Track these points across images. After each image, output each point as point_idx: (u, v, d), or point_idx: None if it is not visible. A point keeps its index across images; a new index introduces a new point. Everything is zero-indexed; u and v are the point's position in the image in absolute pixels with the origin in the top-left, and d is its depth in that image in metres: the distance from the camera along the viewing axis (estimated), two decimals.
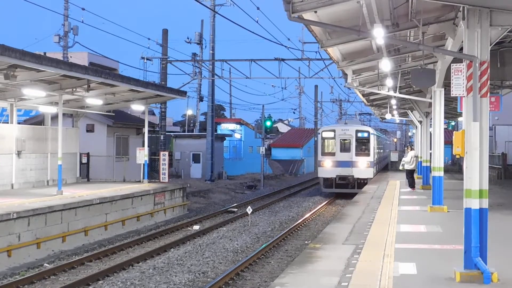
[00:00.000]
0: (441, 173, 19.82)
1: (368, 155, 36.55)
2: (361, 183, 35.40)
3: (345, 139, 36.94)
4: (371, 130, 38.06)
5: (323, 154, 37.08)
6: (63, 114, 25.33)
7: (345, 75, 22.32)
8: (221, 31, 43.83)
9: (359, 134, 36.92)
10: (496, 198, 23.21)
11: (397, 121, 65.92)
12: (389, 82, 22.48)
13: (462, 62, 10.07)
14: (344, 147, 36.77)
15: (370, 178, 35.96)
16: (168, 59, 41.07)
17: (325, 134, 37.59)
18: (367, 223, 16.43)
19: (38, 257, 18.23)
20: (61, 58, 36.94)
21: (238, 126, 63.94)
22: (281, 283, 9.71)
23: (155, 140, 41.94)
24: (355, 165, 36.15)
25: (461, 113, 11.14)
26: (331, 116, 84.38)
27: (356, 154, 36.39)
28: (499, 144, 48.00)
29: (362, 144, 36.94)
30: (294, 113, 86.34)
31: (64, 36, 41.71)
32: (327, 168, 36.43)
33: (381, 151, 52.35)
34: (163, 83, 40.03)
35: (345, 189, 36.11)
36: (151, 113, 52.98)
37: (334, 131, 37.32)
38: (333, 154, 36.70)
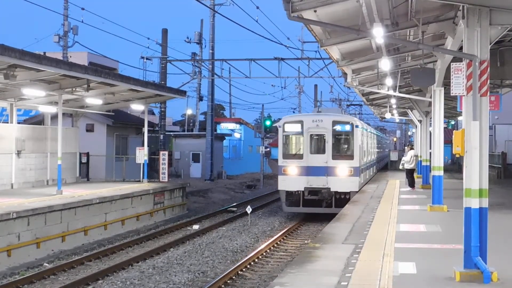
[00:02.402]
0: (441, 173, 19.81)
1: (351, 157, 25.48)
2: (341, 199, 24.87)
3: (317, 135, 25.92)
4: (355, 121, 26.71)
5: (285, 156, 25.87)
6: (63, 114, 25.30)
7: (344, 74, 22.32)
8: (220, 31, 43.86)
9: (338, 127, 25.87)
10: (496, 198, 23.19)
11: (397, 121, 65.91)
12: (389, 81, 22.47)
13: (461, 61, 10.06)
14: (316, 147, 25.93)
15: (354, 191, 25.19)
16: (168, 59, 41.06)
17: (288, 128, 26.21)
18: (366, 223, 16.42)
19: (37, 257, 18.22)
20: (61, 58, 36.92)
21: (238, 125, 63.93)
22: (281, 282, 9.70)
23: (154, 139, 41.91)
24: (332, 172, 25.20)
25: (461, 112, 11.14)
26: None
27: (334, 157, 25.37)
28: (499, 143, 47.96)
29: (343, 142, 26.32)
30: (293, 112, 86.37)
31: (63, 36, 41.67)
32: (291, 177, 25.38)
33: (378, 150, 44.97)
34: (162, 82, 40.01)
35: (317, 208, 25.59)
36: (151, 112, 52.99)
37: (301, 122, 25.96)
38: (299, 156, 25.61)
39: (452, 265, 10.14)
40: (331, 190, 25.14)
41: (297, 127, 26.04)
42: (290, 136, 26.52)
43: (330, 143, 25.61)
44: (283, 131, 26.21)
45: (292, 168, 25.57)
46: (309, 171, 25.39)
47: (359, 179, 26.01)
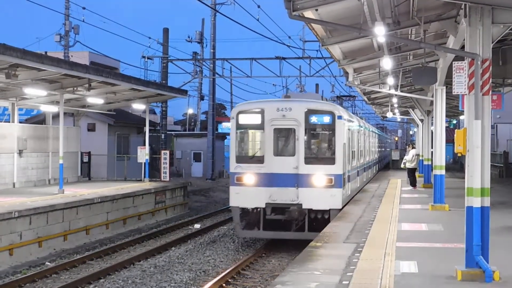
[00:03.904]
0: (443, 172, 19.79)
1: (332, 161, 18.61)
2: (318, 219, 18.47)
3: (284, 129, 18.91)
4: (338, 111, 19.40)
5: (240, 160, 19.00)
6: (64, 113, 25.33)
7: (346, 73, 22.30)
8: (222, 30, 43.91)
9: (314, 119, 18.75)
10: (497, 197, 23.17)
11: (398, 120, 65.89)
12: (390, 80, 22.44)
13: (463, 60, 10.05)
14: (283, 146, 19.05)
15: (335, 209, 18.41)
16: (169, 58, 41.05)
17: (243, 119, 19.19)
18: (368, 222, 16.41)
19: (39, 256, 18.24)
20: (62, 57, 36.94)
21: None
22: (282, 281, 9.69)
23: (156, 139, 41.91)
24: (304, 182, 18.37)
25: (463, 111, 11.13)
26: None
27: (308, 160, 18.51)
28: (500, 142, 47.96)
29: (320, 139, 19.42)
30: None
31: (65, 35, 41.69)
32: (248, 188, 18.61)
33: (378, 149, 42.16)
34: (164, 82, 40.01)
35: (284, 232, 18.69)
36: (152, 112, 53.00)
37: (262, 112, 18.89)
38: (259, 160, 18.78)
39: (454, 264, 10.13)
40: (303, 207, 18.16)
41: (255, 118, 18.84)
42: (246, 131, 19.35)
43: (302, 141, 18.41)
44: (237, 123, 19.04)
45: (248, 176, 18.50)
46: (273, 180, 18.33)
47: (342, 192, 18.69)
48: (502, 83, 21.67)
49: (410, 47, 17.83)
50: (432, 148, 23.79)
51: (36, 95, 25.00)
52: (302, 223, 18.51)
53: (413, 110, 37.30)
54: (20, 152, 26.18)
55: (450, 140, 20.20)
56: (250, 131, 19.52)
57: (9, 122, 27.23)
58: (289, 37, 38.11)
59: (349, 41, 16.18)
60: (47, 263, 17.45)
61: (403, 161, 29.57)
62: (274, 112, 18.71)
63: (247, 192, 18.59)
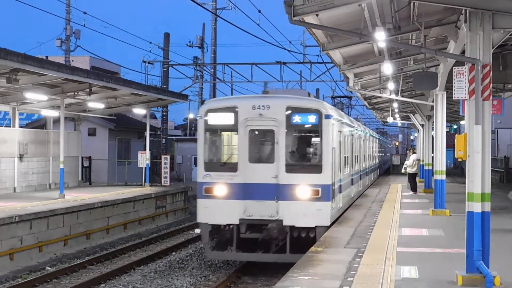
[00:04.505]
0: (443, 177, 19.79)
1: (318, 169, 15.90)
2: (301, 239, 15.65)
3: (261, 131, 16.28)
4: (326, 109, 16.42)
5: (209, 167, 16.34)
6: (65, 118, 25.35)
7: (346, 78, 22.31)
8: (222, 35, 43.86)
9: (297, 118, 16.05)
10: (498, 202, 23.17)
11: (399, 125, 65.89)
12: (391, 85, 22.45)
13: (464, 65, 10.06)
14: (260, 151, 16.39)
15: (323, 226, 15.76)
16: (170, 63, 41.07)
17: (213, 118, 16.46)
18: (369, 227, 16.40)
19: (40, 260, 18.24)
20: (63, 62, 36.98)
21: None
22: (283, 286, 9.68)
23: (156, 143, 41.92)
24: (285, 194, 15.71)
25: (463, 116, 11.13)
26: None
27: (290, 168, 15.86)
28: (501, 148, 47.98)
29: (305, 143, 16.68)
30: None
31: (66, 40, 41.71)
32: (219, 201, 15.96)
33: (376, 154, 40.15)
34: (164, 86, 40.02)
35: (261, 254, 16.06)
36: (153, 116, 53.02)
37: (235, 110, 16.17)
38: (232, 167, 16.13)
39: (455, 269, 10.12)
40: (284, 224, 15.48)
41: (227, 118, 16.17)
42: (217, 133, 16.83)
43: (282, 145, 15.74)
44: (205, 124, 16.28)
45: (219, 187, 15.84)
46: (248, 192, 15.66)
47: (331, 205, 16.07)
48: (503, 88, 21.67)
49: (410, 52, 17.84)
50: (432, 153, 23.78)
51: (37, 100, 25.02)
52: (284, 243, 15.61)
53: (413, 115, 37.31)
54: (20, 157, 26.19)
55: (450, 145, 20.17)
56: (221, 133, 16.90)
57: (10, 126, 27.25)
58: (290, 42, 38.06)
59: (349, 46, 16.19)
60: (47, 268, 17.45)
61: (404, 166, 29.56)
62: (250, 110, 15.93)
63: (218, 205, 15.83)
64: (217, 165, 16.52)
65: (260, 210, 15.68)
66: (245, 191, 15.74)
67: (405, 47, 16.99)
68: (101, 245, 21.19)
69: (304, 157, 16.47)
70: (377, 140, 42.22)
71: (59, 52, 42.76)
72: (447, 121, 25.14)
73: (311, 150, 16.55)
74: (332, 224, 16.35)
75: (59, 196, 23.24)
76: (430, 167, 28.50)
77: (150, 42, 40.52)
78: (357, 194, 24.66)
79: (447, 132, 24.66)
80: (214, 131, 16.75)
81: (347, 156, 20.47)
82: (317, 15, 11.73)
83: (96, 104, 27.20)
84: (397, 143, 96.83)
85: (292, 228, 15.62)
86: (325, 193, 15.75)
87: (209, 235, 15.97)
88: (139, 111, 30.95)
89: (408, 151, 34.82)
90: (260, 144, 16.35)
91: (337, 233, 15.27)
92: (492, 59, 9.79)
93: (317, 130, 16.06)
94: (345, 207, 19.88)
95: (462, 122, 40.73)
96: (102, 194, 25.32)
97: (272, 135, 15.95)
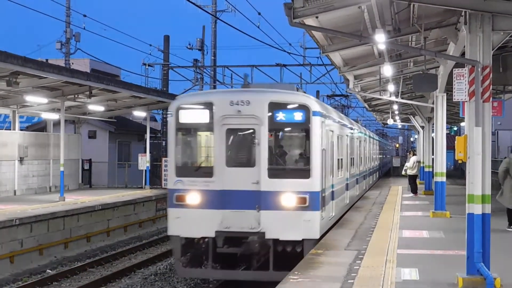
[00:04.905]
0: (444, 179, 19.78)
1: (306, 174, 14.05)
2: (286, 254, 13.85)
3: (240, 130, 14.54)
4: (314, 105, 14.34)
5: (181, 171, 14.46)
6: (65, 121, 25.37)
7: (346, 80, 22.31)
8: (222, 37, 43.84)
9: (280, 115, 14.18)
10: (499, 203, 23.10)
11: (399, 127, 65.89)
12: (391, 87, 22.47)
13: (464, 67, 10.06)
14: (239, 153, 14.78)
15: (311, 240, 13.90)
16: (170, 65, 41.09)
17: (185, 116, 14.59)
18: (369, 229, 16.39)
19: (40, 263, 18.24)
20: (63, 65, 37.00)
21: None
22: None
23: (157, 146, 41.91)
24: (268, 203, 13.88)
25: (464, 118, 11.13)
26: None
27: (273, 173, 14.00)
28: (501, 149, 48.00)
29: (290, 144, 15.15)
30: None
31: (66, 42, 41.71)
32: (192, 211, 14.14)
33: (376, 156, 39.76)
34: (164, 89, 40.03)
35: (240, 271, 14.67)
36: (153, 119, 52.98)
37: (210, 106, 14.29)
38: (207, 172, 14.27)
39: (455, 271, 10.11)
40: (267, 237, 13.65)
41: (201, 115, 14.33)
42: (190, 132, 15.02)
43: (264, 147, 13.86)
44: (177, 122, 14.41)
45: (193, 195, 14.02)
46: (225, 200, 13.83)
47: (321, 215, 14.20)
48: (503, 90, 21.68)
49: (410, 54, 17.85)
50: (433, 155, 23.78)
51: (37, 103, 25.04)
52: (266, 258, 13.80)
53: (413, 117, 37.30)
54: (21, 160, 26.20)
55: (451, 147, 20.18)
56: (195, 133, 15.06)
57: (10, 129, 27.26)
58: (290, 44, 38.13)
59: (349, 48, 16.20)
60: (48, 270, 17.45)
61: (404, 168, 29.54)
62: (227, 106, 13.95)
63: (191, 216, 13.96)
64: (190, 169, 14.60)
65: (239, 221, 13.75)
66: (222, 200, 13.80)
67: (405, 49, 17.01)
68: (102, 248, 21.19)
69: (289, 160, 14.70)
70: (377, 142, 42.19)
71: (59, 55, 42.79)
72: (447, 123, 25.16)
73: (298, 152, 14.69)
74: (323, 236, 14.46)
75: (59, 199, 23.24)
76: (431, 169, 28.49)
77: (150, 45, 40.57)
78: (354, 200, 22.90)
79: (447, 134, 24.65)
80: (187, 130, 14.79)
81: (341, 159, 18.68)
82: (317, 17, 11.74)
83: (96, 107, 27.21)
84: (397, 145, 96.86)
85: (276, 241, 13.70)
86: (313, 201, 13.81)
87: (181, 250, 14.08)
88: (139, 114, 30.96)
89: (408, 153, 34.81)
90: (239, 145, 14.50)
91: (337, 235, 15.26)
92: (492, 61, 9.79)
93: (304, 128, 14.17)
94: (339, 216, 18.09)
95: (462, 124, 40.71)
96: (103, 197, 25.33)
97: (252, 135, 14.02)
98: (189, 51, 47.71)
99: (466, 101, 9.94)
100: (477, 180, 9.64)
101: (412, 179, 28.53)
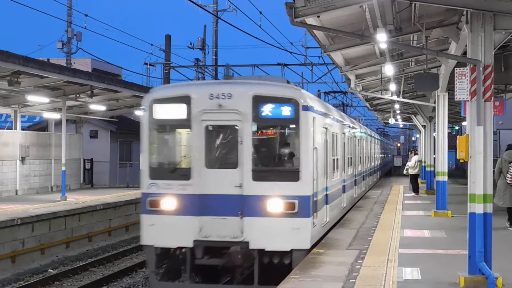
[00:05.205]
0: (445, 178, 19.77)
1: (295, 175, 12.51)
2: (274, 266, 12.44)
3: (221, 127, 12.86)
4: (304, 99, 12.77)
5: (156, 173, 12.98)
6: (67, 120, 25.39)
7: (348, 80, 22.30)
8: (223, 37, 43.88)
9: (266, 110, 12.57)
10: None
11: (401, 126, 65.88)
12: (392, 86, 22.46)
13: (465, 66, 10.06)
14: (220, 152, 13.02)
15: (301, 250, 12.41)
16: (171, 65, 41.08)
17: (160, 111, 13.13)
18: (370, 228, 16.39)
19: (42, 263, 18.25)
20: (65, 64, 37.03)
21: None
22: None
23: None
24: (252, 208, 12.43)
25: (465, 117, 11.13)
26: None
27: (258, 175, 12.49)
28: (503, 149, 47.86)
29: (276, 142, 13.22)
30: None
31: (67, 42, 41.76)
32: (167, 217, 12.68)
33: (378, 156, 39.18)
34: None
35: (223, 285, 13.03)
36: None
37: (187, 100, 12.76)
38: (184, 174, 12.73)
39: (457, 270, 10.11)
40: (251, 247, 12.29)
41: (178, 111, 12.88)
42: (166, 129, 13.64)
43: (248, 145, 12.47)
44: (150, 118, 13.08)
45: (168, 200, 12.64)
46: (205, 205, 12.44)
47: (312, 222, 12.77)
48: (504, 89, 21.66)
49: (412, 54, 17.84)
50: (434, 154, 23.76)
51: (39, 102, 25.05)
52: (250, 271, 12.47)
53: (415, 116, 37.29)
54: (22, 159, 26.22)
55: (452, 146, 20.17)
56: (171, 131, 13.69)
57: (11, 129, 27.27)
58: (291, 44, 38.04)
59: (351, 47, 16.19)
60: (49, 270, 17.46)
61: (406, 167, 29.54)
62: (206, 100, 12.54)
63: (167, 223, 12.57)
64: (165, 171, 13.17)
65: (220, 229, 12.34)
66: (200, 205, 12.39)
67: (407, 48, 16.99)
68: (103, 247, 21.20)
69: (276, 160, 13.10)
70: (378, 141, 42.14)
71: (61, 54, 42.84)
72: (448, 122, 25.09)
73: (286, 151, 12.94)
74: (314, 245, 13.02)
75: (61, 198, 23.26)
76: (432, 169, 28.47)
77: (151, 44, 40.54)
78: (352, 202, 21.75)
79: (448, 133, 24.64)
80: (162, 127, 13.35)
81: (337, 159, 17.40)
82: (318, 16, 11.74)
83: (97, 106, 27.22)
84: (398, 144, 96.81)
85: (261, 252, 12.26)
86: (303, 207, 12.34)
87: (156, 261, 12.67)
88: (141, 113, 30.98)
89: (410, 153, 34.80)
90: (220, 144, 12.89)
91: (339, 235, 15.26)
92: (494, 60, 9.79)
93: (293, 125, 12.65)
94: (335, 221, 16.75)
95: (463, 123, 40.71)
96: (104, 196, 25.34)
97: (235, 132, 12.54)
98: (191, 51, 47.74)
99: (468, 101, 9.93)
100: (479, 179, 9.63)
101: (414, 178, 28.52)
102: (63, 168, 23.86)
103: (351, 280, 10.14)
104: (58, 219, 19.74)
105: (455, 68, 10.43)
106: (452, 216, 18.99)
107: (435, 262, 11.79)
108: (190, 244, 12.42)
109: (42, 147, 27.78)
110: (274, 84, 13.37)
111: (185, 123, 12.78)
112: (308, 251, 12.46)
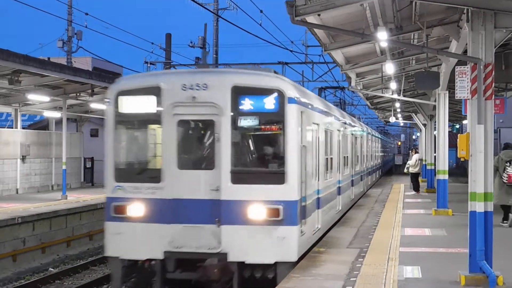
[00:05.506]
0: (446, 176, 19.77)
1: (280, 178, 10.96)
2: (257, 280, 11.01)
3: (195, 121, 11.52)
4: (290, 90, 11.19)
5: (122, 176, 11.49)
6: (67, 119, 25.38)
7: (348, 78, 22.31)
8: (224, 35, 43.88)
9: (246, 103, 11.08)
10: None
11: (401, 124, 65.87)
12: (393, 85, 22.46)
13: (466, 65, 10.05)
14: (194, 151, 11.63)
15: (286, 263, 10.89)
16: (172, 64, 41.08)
17: (127, 104, 11.55)
18: (371, 227, 16.39)
19: (43, 262, 18.26)
20: (65, 63, 37.03)
21: None
22: (286, 287, 9.67)
23: None
24: (231, 215, 10.92)
25: (466, 116, 11.12)
26: None
27: (237, 177, 10.98)
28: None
29: (258, 140, 11.52)
30: None
31: (67, 41, 41.73)
32: (134, 225, 11.19)
33: (378, 154, 38.77)
34: None
35: None
36: None
37: (157, 91, 11.25)
38: (154, 176, 11.23)
39: (458, 269, 10.11)
40: (230, 259, 10.89)
41: (147, 103, 11.41)
42: (133, 125, 12.07)
43: (227, 143, 11.01)
44: (116, 113, 11.56)
45: (136, 206, 11.21)
46: (177, 212, 11.01)
47: (300, 230, 11.32)
48: (505, 88, 21.67)
49: (412, 52, 17.84)
50: (435, 152, 23.76)
51: (39, 101, 25.06)
52: (230, 286, 11.06)
53: (416, 114, 37.30)
54: (23, 158, 26.22)
55: (453, 145, 20.20)
56: (139, 126, 12.12)
57: (12, 128, 27.28)
58: (292, 42, 38.01)
59: (351, 46, 16.19)
60: (50, 269, 17.46)
61: (406, 166, 29.53)
62: (178, 91, 11.11)
63: (134, 232, 11.12)
64: (132, 173, 11.74)
65: (194, 239, 10.91)
66: (172, 211, 10.95)
67: (407, 46, 16.99)
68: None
69: (258, 160, 11.41)
70: (378, 139, 42.11)
71: (61, 53, 42.80)
72: (449, 120, 25.11)
73: (270, 150, 11.40)
74: (303, 256, 11.64)
75: (61, 197, 23.26)
76: (433, 167, 28.47)
77: (152, 43, 40.52)
78: (349, 205, 20.54)
79: (449, 131, 24.64)
80: (129, 123, 11.84)
81: (331, 158, 15.98)
82: (319, 15, 11.74)
83: (98, 105, 27.20)
84: (399, 143, 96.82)
85: (241, 265, 10.85)
86: (289, 214, 10.88)
87: (122, 275, 11.20)
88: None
89: (410, 151, 34.80)
90: (195, 142, 11.65)
91: (340, 233, 15.26)
92: (494, 59, 9.78)
93: (277, 120, 11.12)
94: (329, 226, 15.48)
95: (464, 122, 40.71)
96: (105, 195, 25.31)
97: (211, 128, 11.11)
98: (191, 49, 47.80)
99: (468, 99, 9.93)
100: (480, 178, 9.63)
101: (414, 177, 28.53)
102: (64, 167, 23.87)
103: (352, 279, 10.14)
104: (58, 218, 19.74)
105: (456, 67, 10.42)
106: (452, 215, 18.99)
107: (435, 261, 11.79)
108: (161, 256, 10.96)
109: (42, 146, 27.78)
110: (256, 73, 11.95)
111: (155, 118, 11.33)
112: (295, 263, 11.06)
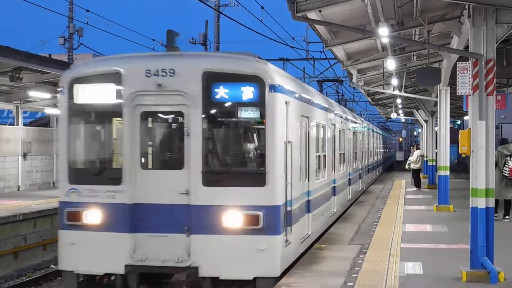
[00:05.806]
0: (447, 172, 19.77)
1: (261, 179, 9.33)
2: None
3: (161, 113, 9.95)
4: (272, 76, 9.50)
5: (77, 177, 9.86)
6: None
7: (350, 74, 22.30)
8: (225, 32, 43.81)
9: (221, 92, 9.44)
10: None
11: (403, 120, 65.82)
12: (394, 81, 22.45)
13: (467, 61, 10.03)
14: (160, 148, 10.34)
15: (269, 278, 9.37)
16: None
17: (82, 93, 9.87)
18: (372, 223, 16.39)
19: (44, 259, 18.27)
20: (66, 60, 37.02)
21: None
22: (287, 283, 9.67)
23: None
24: (202, 223, 9.33)
25: (467, 111, 11.12)
26: None
27: (210, 178, 9.46)
28: None
29: (236, 135, 9.99)
30: None
31: (69, 38, 41.73)
32: (93, 235, 9.62)
33: (379, 151, 38.39)
34: None
35: None
36: None
37: (117, 78, 9.62)
38: (113, 178, 9.65)
39: (459, 265, 10.11)
40: (201, 274, 9.45)
41: (105, 92, 9.91)
42: (90, 118, 10.39)
43: (198, 139, 9.50)
44: (69, 103, 10.02)
45: (93, 212, 9.74)
46: (140, 219, 9.61)
47: (284, 240, 9.91)
48: (506, 83, 21.66)
49: (414, 48, 17.83)
50: (436, 149, 23.75)
51: (40, 98, 25.05)
52: None
53: (417, 110, 37.27)
54: (24, 155, 26.22)
55: (454, 141, 20.16)
56: (96, 119, 10.43)
57: (13, 125, 27.29)
58: (293, 38, 37.97)
59: (352, 42, 16.18)
60: (52, 266, 17.48)
61: (408, 162, 29.54)
62: (142, 78, 9.55)
63: (91, 242, 9.66)
64: (89, 173, 10.25)
65: (160, 250, 9.46)
66: (134, 218, 9.54)
67: (409, 42, 16.98)
68: None
69: (235, 159, 10.04)
70: (380, 136, 42.07)
71: (62, 50, 42.78)
72: (450, 116, 25.08)
73: (248, 146, 9.96)
74: (288, 269, 10.31)
75: None
76: (434, 163, 28.47)
77: (153, 40, 40.50)
78: (346, 206, 19.35)
79: (450, 127, 24.61)
80: (84, 115, 10.23)
81: (324, 155, 14.61)
82: (320, 11, 11.74)
83: None
84: (400, 139, 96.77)
85: (215, 281, 9.43)
86: (271, 221, 9.38)
87: None
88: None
89: (411, 147, 34.79)
90: (160, 138, 10.31)
91: (341, 230, 15.27)
92: (496, 54, 9.77)
93: (257, 111, 9.52)
94: (322, 231, 14.11)
95: (465, 118, 40.63)
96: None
97: (180, 122, 9.70)
98: (192, 46, 47.70)
99: (470, 95, 9.91)
100: (481, 174, 9.62)
101: (416, 173, 28.53)
102: None
103: (353, 275, 10.14)
104: None
105: (457, 63, 10.40)
106: (454, 211, 18.98)
107: (437, 257, 11.79)
108: (121, 270, 9.50)
109: (44, 143, 27.78)
110: (232, 56, 10.12)
111: (114, 110, 9.79)
112: (278, 278, 9.59)
